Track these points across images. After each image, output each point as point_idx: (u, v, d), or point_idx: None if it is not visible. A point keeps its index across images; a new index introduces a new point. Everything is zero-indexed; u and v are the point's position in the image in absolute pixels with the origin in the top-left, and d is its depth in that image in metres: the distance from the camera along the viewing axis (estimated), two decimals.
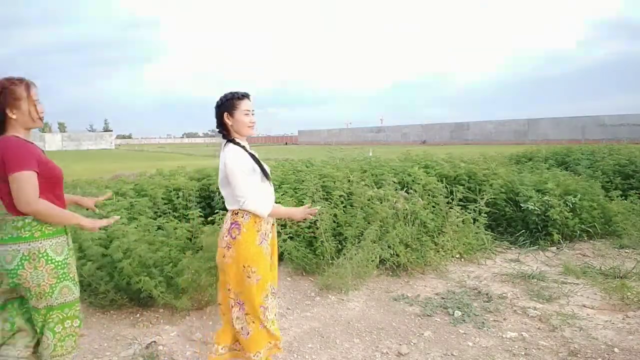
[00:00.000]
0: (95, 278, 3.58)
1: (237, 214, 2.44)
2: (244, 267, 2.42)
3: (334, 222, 4.81)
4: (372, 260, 4.43)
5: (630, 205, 6.22)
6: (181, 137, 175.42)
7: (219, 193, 5.65)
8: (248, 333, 2.50)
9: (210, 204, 5.77)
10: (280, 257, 4.92)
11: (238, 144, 2.47)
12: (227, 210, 2.53)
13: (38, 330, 2.13)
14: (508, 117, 47.52)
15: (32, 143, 2.13)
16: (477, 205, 5.40)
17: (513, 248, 5.62)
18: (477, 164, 6.97)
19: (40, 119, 2.15)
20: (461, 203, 5.35)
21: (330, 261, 4.50)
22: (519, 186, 6.07)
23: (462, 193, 5.36)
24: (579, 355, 3.01)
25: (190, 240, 4.22)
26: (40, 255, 2.05)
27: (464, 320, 3.58)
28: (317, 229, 4.61)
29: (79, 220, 2.13)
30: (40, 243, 2.06)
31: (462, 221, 5.17)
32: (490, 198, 5.53)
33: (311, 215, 2.64)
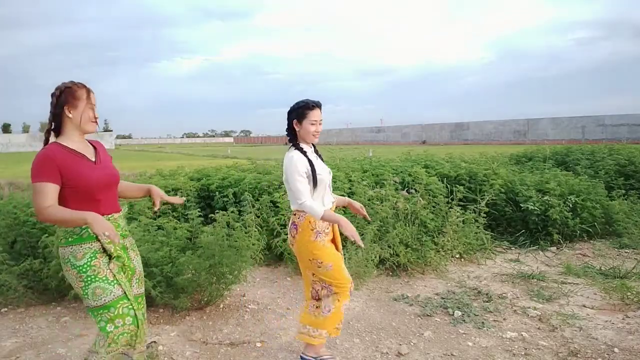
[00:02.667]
0: None
1: (295, 214, 2.71)
2: (310, 260, 2.69)
3: None
4: (372, 260, 4.43)
5: (631, 205, 6.22)
6: (181, 137, 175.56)
7: (219, 193, 5.69)
8: (329, 310, 2.74)
9: (210, 204, 5.76)
10: (280, 257, 4.93)
11: (300, 149, 2.67)
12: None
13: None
14: (508, 117, 47.51)
15: (73, 151, 2.18)
16: (477, 205, 5.40)
17: (513, 248, 5.62)
18: (478, 163, 6.97)
19: (94, 122, 2.25)
20: (461, 203, 5.35)
21: None
22: (519, 186, 6.07)
23: (462, 193, 5.36)
24: (579, 355, 3.01)
25: (190, 240, 4.21)
26: (66, 261, 2.17)
27: (464, 320, 3.58)
28: None
29: (86, 219, 2.04)
30: (64, 249, 2.17)
31: (462, 221, 5.17)
32: (491, 198, 5.53)
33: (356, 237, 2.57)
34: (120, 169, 2.50)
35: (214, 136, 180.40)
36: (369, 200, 4.93)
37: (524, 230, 5.82)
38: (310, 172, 2.61)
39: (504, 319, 3.61)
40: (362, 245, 2.61)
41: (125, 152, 43.08)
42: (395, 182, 5.34)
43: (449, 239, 4.99)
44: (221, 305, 3.94)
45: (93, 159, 2.25)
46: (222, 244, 3.79)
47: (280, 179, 5.76)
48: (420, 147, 25.50)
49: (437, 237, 4.97)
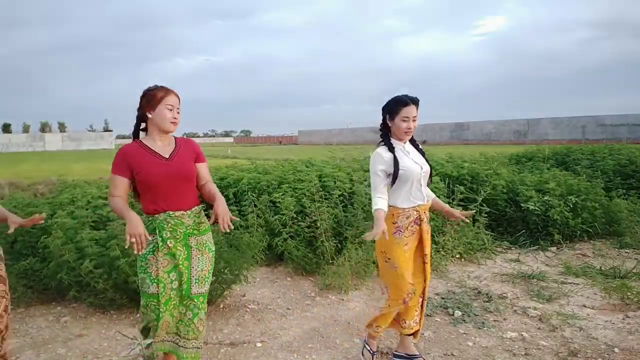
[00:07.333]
0: (94, 276, 3.57)
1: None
2: (382, 251, 2.74)
3: (334, 222, 4.80)
4: (372, 261, 4.43)
5: (631, 205, 6.22)
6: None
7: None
8: (380, 310, 2.85)
9: (210, 204, 5.74)
10: (280, 257, 4.93)
11: (389, 144, 2.69)
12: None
13: None
14: (508, 117, 47.56)
15: (147, 148, 2.39)
16: (478, 204, 5.39)
17: (513, 248, 5.62)
18: (479, 163, 6.96)
19: (172, 123, 2.40)
20: (462, 203, 5.34)
21: (330, 261, 4.50)
22: (519, 186, 6.07)
23: (464, 194, 5.35)
24: (579, 355, 3.01)
25: None
26: None
27: (464, 320, 3.58)
28: (317, 228, 4.60)
29: (125, 219, 2.22)
30: None
31: (462, 221, 5.16)
32: (491, 198, 5.52)
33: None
34: None
35: (214, 136, 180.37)
36: (369, 200, 4.92)
37: (524, 230, 5.82)
38: (392, 169, 2.63)
39: (504, 319, 3.61)
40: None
41: None
42: None
43: (449, 238, 4.99)
44: (221, 305, 3.94)
45: (166, 156, 2.39)
46: (221, 243, 3.78)
47: (279, 179, 5.76)
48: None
49: (437, 236, 4.97)
